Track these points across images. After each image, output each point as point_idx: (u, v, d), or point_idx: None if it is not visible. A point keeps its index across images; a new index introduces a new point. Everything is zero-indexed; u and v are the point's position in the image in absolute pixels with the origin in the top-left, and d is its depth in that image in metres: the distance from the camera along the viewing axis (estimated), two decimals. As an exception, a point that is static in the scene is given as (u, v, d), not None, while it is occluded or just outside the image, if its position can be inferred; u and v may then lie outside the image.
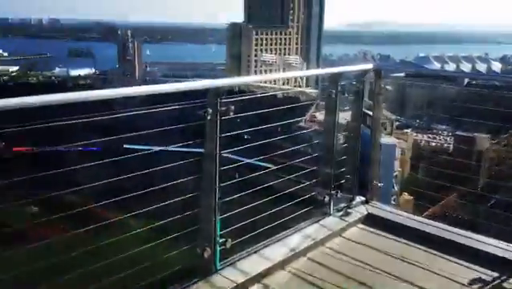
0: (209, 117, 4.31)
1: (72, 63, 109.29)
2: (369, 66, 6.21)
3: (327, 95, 5.87)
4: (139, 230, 4.48)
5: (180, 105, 4.43)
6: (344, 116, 6.31)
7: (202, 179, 4.50)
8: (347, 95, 6.53)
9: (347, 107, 6.39)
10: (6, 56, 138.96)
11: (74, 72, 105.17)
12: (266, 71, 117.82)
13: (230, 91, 4.75)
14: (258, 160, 5.87)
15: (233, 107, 4.46)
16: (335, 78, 5.77)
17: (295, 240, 5.30)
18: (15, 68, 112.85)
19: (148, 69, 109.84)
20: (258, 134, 5.68)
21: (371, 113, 6.51)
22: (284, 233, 5.35)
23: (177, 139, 5.06)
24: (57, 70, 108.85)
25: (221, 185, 4.51)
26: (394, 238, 5.71)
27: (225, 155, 4.53)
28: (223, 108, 4.38)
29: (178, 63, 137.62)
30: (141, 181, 4.88)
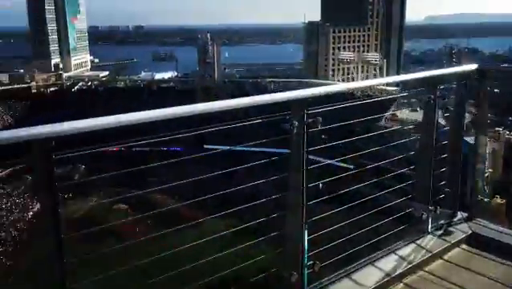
0: (295, 130, 3.96)
1: (156, 67, 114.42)
2: (472, 66, 5.52)
3: (425, 100, 5.27)
4: (219, 254, 4.23)
5: (266, 118, 4.11)
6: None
7: (288, 196, 4.16)
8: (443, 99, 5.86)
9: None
10: (97, 62, 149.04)
11: (158, 76, 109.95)
12: (343, 70, 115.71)
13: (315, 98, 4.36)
14: (346, 172, 5.37)
15: (320, 119, 4.08)
16: (434, 82, 5.17)
17: (390, 263, 4.79)
18: (105, 73, 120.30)
19: (227, 71, 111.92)
20: (342, 138, 5.20)
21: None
22: (377, 254, 4.85)
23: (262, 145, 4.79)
24: (143, 74, 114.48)
25: (309, 203, 4.13)
26: (503, 261, 5.00)
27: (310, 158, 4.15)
28: (310, 120, 4.01)
29: (255, 64, 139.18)
30: (223, 191, 4.66)
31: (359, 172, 5.42)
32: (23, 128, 2.76)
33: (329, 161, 4.76)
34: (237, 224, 4.85)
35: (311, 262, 4.23)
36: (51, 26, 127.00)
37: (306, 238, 4.19)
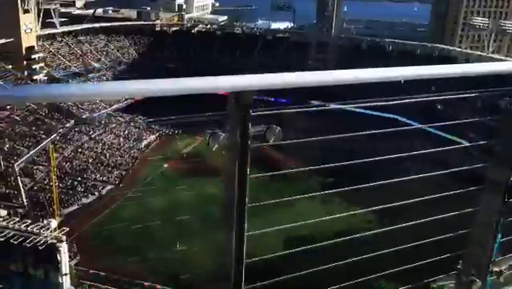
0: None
1: (274, 16, 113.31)
2: None
3: None
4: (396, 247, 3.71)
5: (469, 93, 3.39)
6: None
7: (485, 189, 3.46)
8: None
9: None
10: (217, 6, 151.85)
11: (274, 25, 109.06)
12: (473, 37, 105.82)
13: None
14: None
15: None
16: None
17: None
18: (224, 18, 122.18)
19: (344, 26, 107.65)
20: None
21: None
22: None
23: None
24: (260, 22, 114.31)
25: (510, 200, 3.41)
26: None
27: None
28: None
29: (375, 22, 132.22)
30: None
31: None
32: (222, 77, 2.37)
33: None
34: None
35: (497, 269, 3.56)
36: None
37: (498, 240, 3.50)
